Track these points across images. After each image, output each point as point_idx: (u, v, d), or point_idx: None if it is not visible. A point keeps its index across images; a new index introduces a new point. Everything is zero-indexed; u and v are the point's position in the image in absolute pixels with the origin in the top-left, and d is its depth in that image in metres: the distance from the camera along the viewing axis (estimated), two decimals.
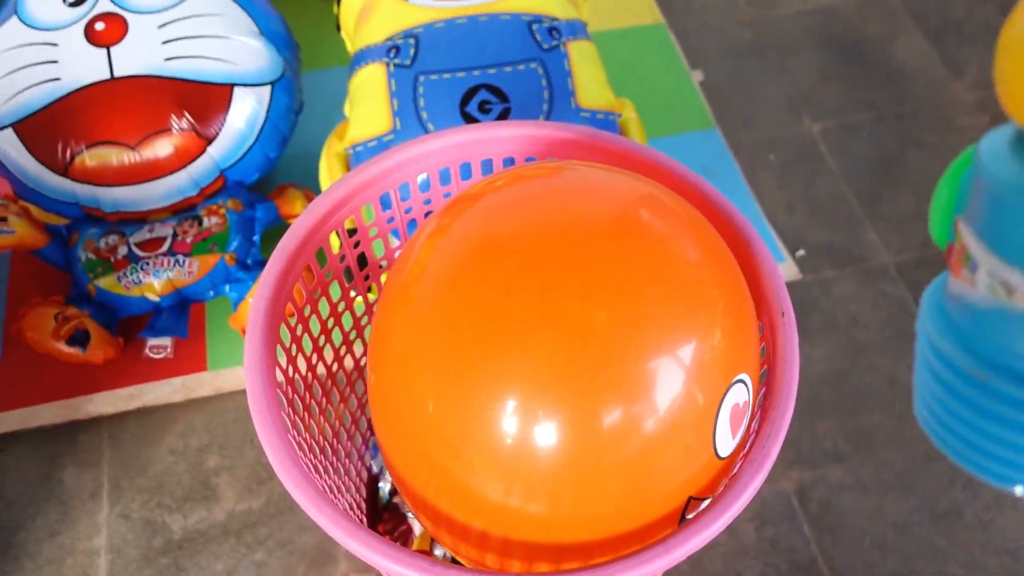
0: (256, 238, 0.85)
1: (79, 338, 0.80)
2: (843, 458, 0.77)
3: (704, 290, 0.47)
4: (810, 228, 0.92)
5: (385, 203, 0.61)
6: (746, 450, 0.48)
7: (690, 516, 0.48)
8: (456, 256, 0.47)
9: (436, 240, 0.49)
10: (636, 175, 0.52)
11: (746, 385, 0.47)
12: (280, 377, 0.53)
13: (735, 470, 0.48)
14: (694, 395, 0.45)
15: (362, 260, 0.63)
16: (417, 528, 0.69)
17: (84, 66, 0.80)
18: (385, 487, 0.73)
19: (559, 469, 0.44)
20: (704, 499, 0.48)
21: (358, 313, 0.66)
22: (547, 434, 0.43)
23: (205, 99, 0.82)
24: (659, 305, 0.45)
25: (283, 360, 0.54)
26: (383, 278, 0.66)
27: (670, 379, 0.44)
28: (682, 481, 0.47)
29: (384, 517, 0.73)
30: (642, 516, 0.47)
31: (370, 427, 0.73)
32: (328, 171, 0.80)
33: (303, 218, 0.55)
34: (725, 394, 0.46)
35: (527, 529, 0.46)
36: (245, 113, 0.83)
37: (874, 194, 0.95)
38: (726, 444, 0.47)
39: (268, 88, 0.84)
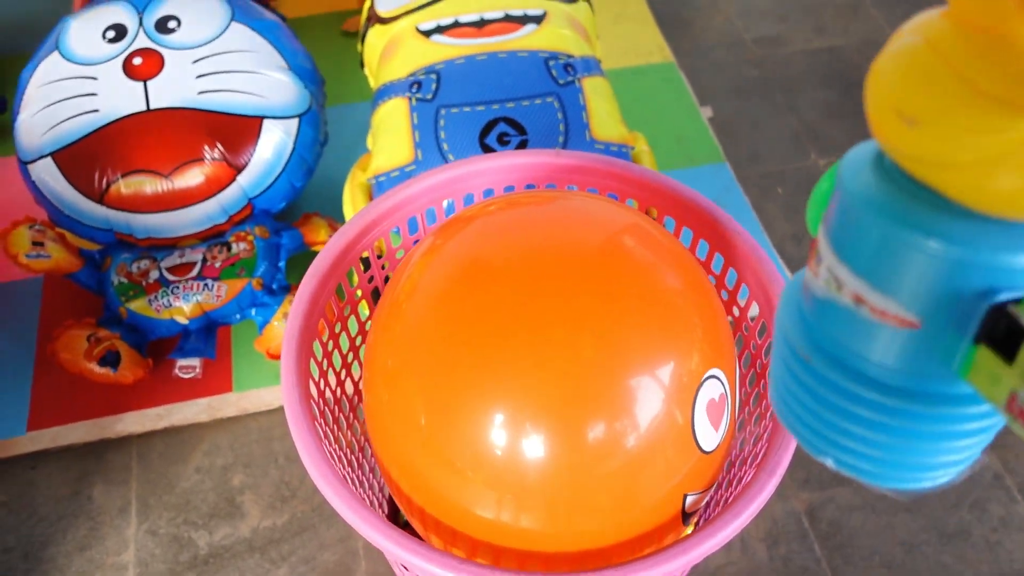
0: (282, 264, 0.88)
1: (110, 359, 0.83)
2: (852, 480, 0.78)
3: (677, 307, 0.49)
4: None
5: (412, 227, 0.64)
6: (759, 459, 0.51)
7: (691, 512, 0.51)
8: (447, 276, 0.50)
9: (428, 260, 0.52)
10: (624, 206, 0.55)
11: (719, 380, 0.50)
12: (313, 391, 0.55)
13: (748, 477, 0.50)
14: (670, 402, 0.47)
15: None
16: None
17: (122, 99, 0.84)
18: None
19: (549, 481, 0.46)
20: (699, 492, 0.50)
21: None
22: (535, 447, 0.46)
23: (236, 131, 0.86)
24: (636, 324, 0.47)
25: (315, 374, 0.57)
26: None
27: (647, 391, 0.46)
28: (674, 482, 0.49)
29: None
30: (641, 518, 0.49)
31: None
32: (351, 200, 0.83)
33: (336, 239, 0.58)
34: (696, 395, 0.48)
35: (519, 538, 0.48)
36: (273, 144, 0.87)
37: None
38: (709, 439, 0.49)
39: (296, 121, 0.88)
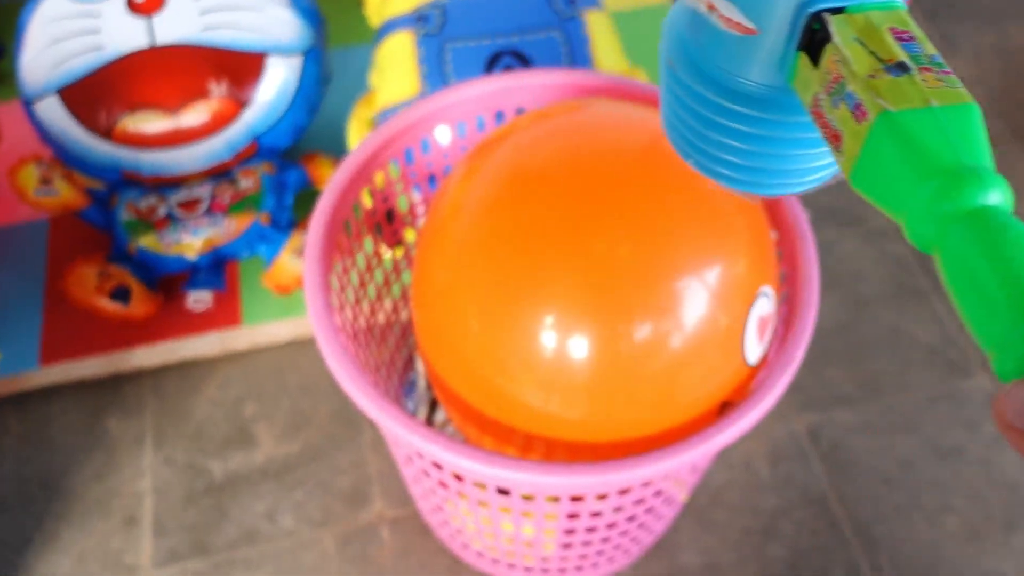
0: (288, 200, 0.88)
1: (121, 294, 0.84)
2: (851, 401, 0.81)
3: (726, 212, 0.51)
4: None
5: (424, 148, 0.65)
6: (771, 356, 0.52)
7: None
8: (489, 190, 0.51)
9: (468, 178, 0.53)
10: (656, 109, 0.56)
11: (768, 297, 0.51)
12: (335, 302, 0.57)
13: (762, 374, 0.52)
14: (720, 311, 0.49)
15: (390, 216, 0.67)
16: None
17: (126, 35, 0.84)
18: None
19: (594, 379, 0.48)
20: (736, 403, 0.52)
21: (388, 268, 0.69)
22: (581, 348, 0.47)
23: (241, 67, 0.86)
24: (684, 227, 0.49)
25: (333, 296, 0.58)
26: (407, 233, 0.70)
27: (696, 297, 0.48)
28: (714, 388, 0.51)
29: None
30: (679, 419, 0.51)
31: (403, 369, 0.77)
32: (357, 136, 0.84)
33: (355, 154, 0.59)
34: (751, 308, 0.50)
35: (568, 431, 0.51)
36: (278, 81, 0.87)
37: None
38: (754, 352, 0.51)
39: (299, 58, 0.88)
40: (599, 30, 0.83)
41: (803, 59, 0.28)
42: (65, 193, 0.85)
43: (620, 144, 0.51)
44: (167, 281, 0.87)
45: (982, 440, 0.78)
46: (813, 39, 0.28)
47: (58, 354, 0.84)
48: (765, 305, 0.51)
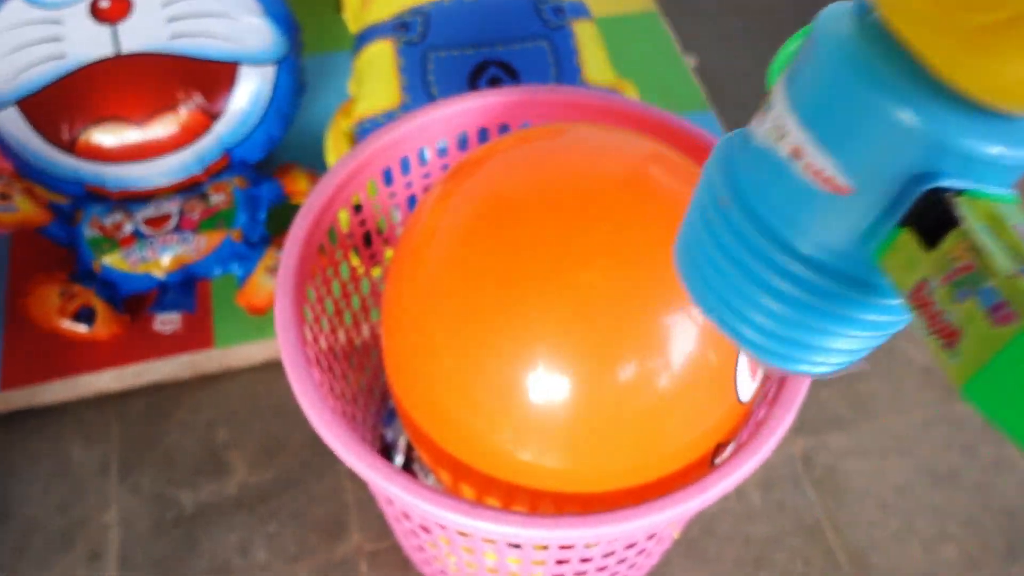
0: (262, 215, 0.85)
1: (85, 315, 0.80)
2: (844, 424, 0.78)
3: None
4: None
5: (404, 168, 0.62)
6: (772, 394, 0.50)
7: (719, 461, 0.50)
8: (465, 217, 0.48)
9: (444, 203, 0.50)
10: (641, 134, 0.53)
11: None
12: (308, 334, 0.53)
13: (761, 415, 0.49)
14: (710, 347, 0.46)
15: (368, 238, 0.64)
16: None
17: (89, 43, 0.80)
18: (398, 458, 0.74)
19: (577, 421, 0.45)
20: (730, 443, 0.50)
21: (365, 292, 0.66)
22: (562, 388, 0.44)
23: (211, 77, 0.82)
24: (671, 259, 0.46)
25: (309, 318, 0.55)
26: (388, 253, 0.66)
27: (684, 333, 0.45)
28: (706, 429, 0.48)
29: None
30: (671, 465, 0.48)
31: (383, 396, 0.74)
32: (335, 147, 0.81)
33: (331, 175, 0.56)
34: None
35: (552, 481, 0.47)
36: (250, 91, 0.84)
37: None
38: (747, 389, 0.48)
39: (273, 67, 0.85)
40: (587, 41, 0.80)
41: (906, 236, 0.24)
42: (25, 208, 0.80)
43: (603, 171, 0.48)
44: (134, 300, 0.84)
45: (979, 464, 0.76)
46: (926, 215, 0.24)
47: (20, 378, 0.80)
48: None
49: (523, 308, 0.44)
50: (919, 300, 0.24)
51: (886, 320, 0.28)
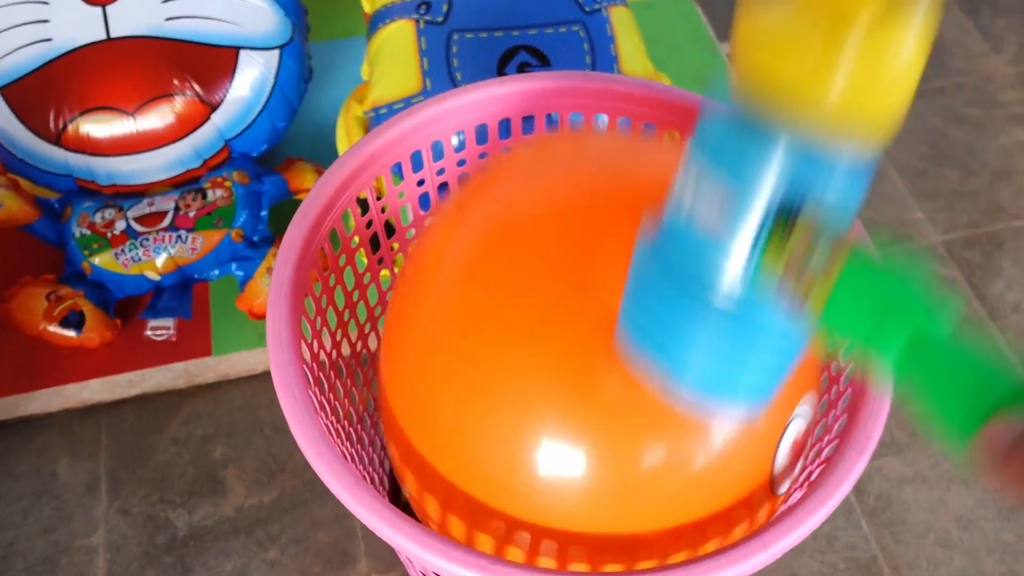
0: (264, 213, 0.78)
1: (73, 320, 0.74)
2: (900, 448, 0.71)
3: None
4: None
5: (417, 163, 0.55)
6: (832, 432, 0.43)
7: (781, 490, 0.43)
8: (474, 245, 0.43)
9: (453, 223, 0.44)
10: (660, 145, 0.47)
11: (805, 416, 0.43)
12: (305, 353, 0.47)
13: (814, 475, 0.43)
14: (746, 439, 0.40)
15: (388, 229, 0.58)
16: None
17: (78, 26, 0.74)
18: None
19: (591, 502, 0.40)
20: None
21: (384, 287, 0.60)
22: (576, 466, 0.39)
23: (209, 63, 0.76)
24: None
25: (307, 334, 0.48)
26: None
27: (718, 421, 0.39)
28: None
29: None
30: (717, 503, 0.42)
31: None
32: (346, 136, 0.74)
33: (330, 174, 0.50)
34: (784, 432, 0.41)
35: (558, 542, 0.41)
36: (252, 79, 0.77)
37: (918, 171, 0.90)
38: (783, 483, 0.43)
39: (276, 53, 0.78)
40: (623, 28, 0.73)
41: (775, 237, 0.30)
42: (9, 204, 0.74)
43: (627, 197, 0.41)
44: (127, 304, 0.78)
45: None
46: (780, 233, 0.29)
47: (4, 387, 0.74)
48: (800, 426, 0.42)
49: (531, 366, 0.39)
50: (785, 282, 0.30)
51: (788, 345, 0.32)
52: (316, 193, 0.49)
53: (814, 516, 0.39)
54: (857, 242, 0.28)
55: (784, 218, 0.29)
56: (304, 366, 0.45)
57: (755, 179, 0.29)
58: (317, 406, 0.45)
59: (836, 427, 0.46)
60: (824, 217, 0.29)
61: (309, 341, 0.48)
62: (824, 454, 0.46)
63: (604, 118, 0.55)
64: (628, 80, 0.53)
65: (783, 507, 0.45)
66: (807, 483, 0.46)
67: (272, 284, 0.45)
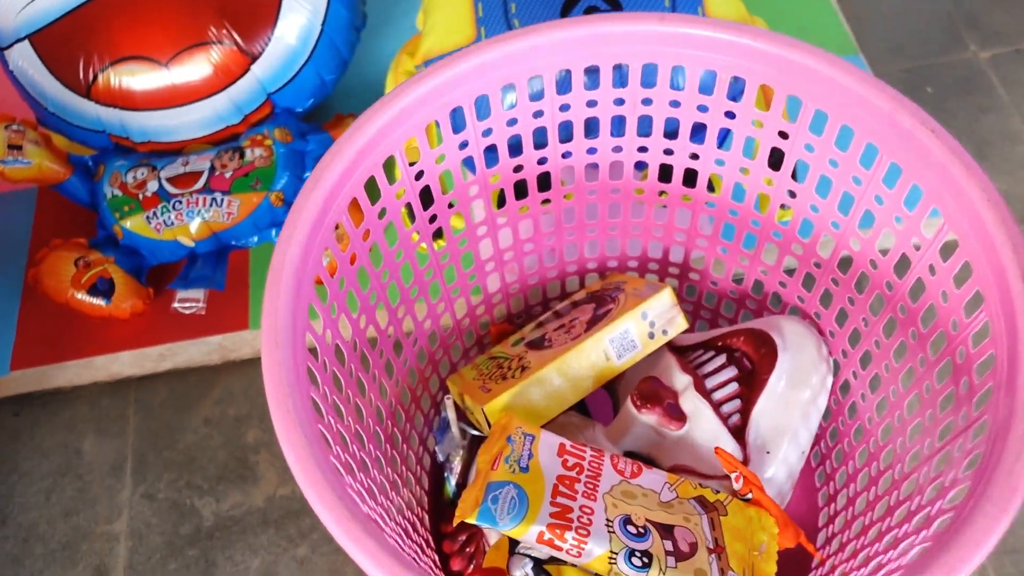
0: (307, 175, 0.72)
1: (102, 288, 0.69)
2: None
3: None
4: None
5: (458, 124, 0.47)
6: (947, 480, 0.33)
7: None
8: None
9: None
10: None
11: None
12: (313, 343, 0.40)
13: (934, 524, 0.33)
14: None
15: (426, 197, 0.49)
16: (492, 537, 0.56)
17: None
18: (452, 479, 0.60)
19: None
20: None
21: (420, 265, 0.52)
22: None
23: (249, 7, 0.69)
24: None
25: (318, 325, 0.41)
26: (453, 220, 0.52)
27: None
28: None
29: (449, 515, 0.60)
30: None
31: (434, 406, 0.60)
32: None
33: (350, 134, 0.42)
34: None
35: None
36: (296, 26, 0.70)
37: None
38: None
39: None
40: None
41: None
42: (39, 161, 0.69)
43: None
44: (161, 271, 0.72)
45: None
46: None
47: (33, 357, 0.70)
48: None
49: None
50: None
51: None
52: (331, 157, 0.41)
53: None
54: None
55: None
56: (309, 363, 0.38)
57: None
58: (324, 409, 0.37)
59: (964, 465, 0.37)
60: None
61: (320, 332, 0.41)
62: (948, 498, 0.37)
63: (683, 70, 0.45)
64: (715, 22, 0.43)
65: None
66: (924, 529, 0.37)
67: (271, 267, 0.38)
